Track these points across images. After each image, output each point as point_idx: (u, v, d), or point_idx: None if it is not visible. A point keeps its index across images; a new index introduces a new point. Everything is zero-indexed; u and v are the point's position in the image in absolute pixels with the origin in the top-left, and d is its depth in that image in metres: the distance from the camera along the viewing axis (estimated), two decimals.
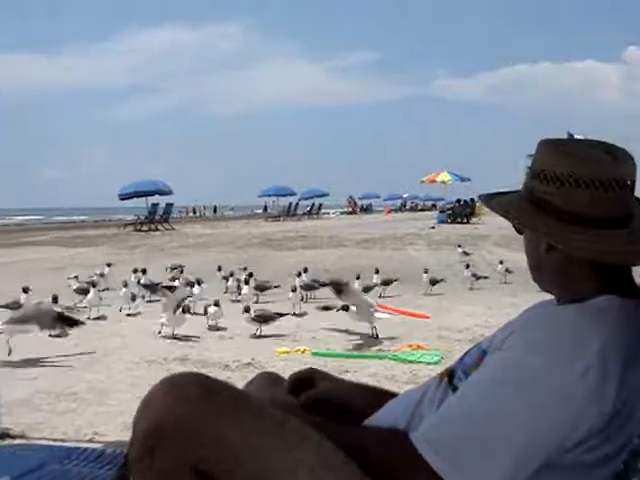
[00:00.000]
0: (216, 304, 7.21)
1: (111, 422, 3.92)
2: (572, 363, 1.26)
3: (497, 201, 1.51)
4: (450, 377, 1.49)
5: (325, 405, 1.68)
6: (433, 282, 9.93)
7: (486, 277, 10.61)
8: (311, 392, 1.72)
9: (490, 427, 1.25)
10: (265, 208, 49.50)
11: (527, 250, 1.50)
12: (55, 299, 7.25)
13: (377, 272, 9.71)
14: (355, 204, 56.42)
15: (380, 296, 9.22)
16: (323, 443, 1.33)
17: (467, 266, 10.70)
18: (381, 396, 1.69)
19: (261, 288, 9.20)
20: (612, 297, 1.37)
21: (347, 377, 4.99)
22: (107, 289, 9.64)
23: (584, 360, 1.25)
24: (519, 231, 1.52)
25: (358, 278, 9.03)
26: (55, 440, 3.59)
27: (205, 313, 7.23)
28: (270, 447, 1.30)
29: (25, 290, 7.69)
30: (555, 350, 1.29)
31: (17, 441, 3.56)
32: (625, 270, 1.43)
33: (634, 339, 1.31)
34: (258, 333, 6.82)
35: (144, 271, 9.65)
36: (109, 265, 10.69)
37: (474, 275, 10.50)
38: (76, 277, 9.14)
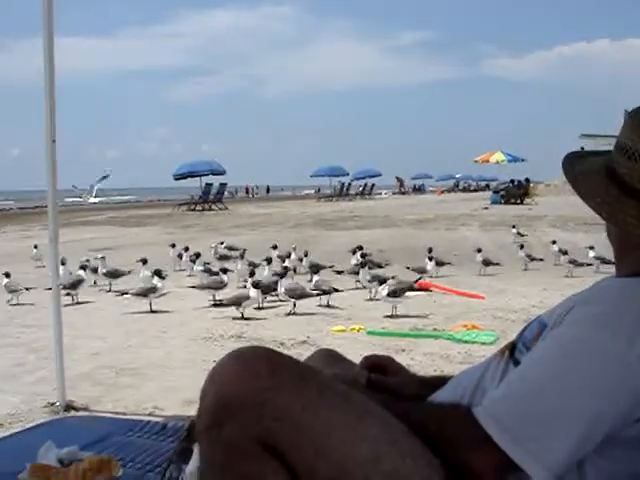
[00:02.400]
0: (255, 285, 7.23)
1: (170, 397, 4.00)
2: (635, 341, 1.25)
3: (582, 179, 1.45)
4: (512, 351, 1.49)
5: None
6: (486, 263, 9.83)
7: (541, 259, 10.45)
8: (381, 378, 1.72)
9: (555, 402, 1.26)
10: (319, 189, 49.49)
11: (608, 227, 1.48)
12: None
13: (430, 251, 9.65)
14: (402, 184, 55.85)
15: (431, 277, 9.17)
16: (386, 418, 1.35)
17: (521, 247, 10.54)
18: None
19: (315, 268, 9.21)
20: None
21: (402, 356, 5.04)
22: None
23: None
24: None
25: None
26: (117, 413, 3.69)
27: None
28: (334, 421, 1.31)
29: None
30: (619, 323, 1.28)
31: (81, 413, 3.67)
32: None
33: None
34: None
35: (198, 254, 9.70)
36: (173, 246, 10.85)
37: (528, 256, 10.36)
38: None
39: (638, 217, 1.33)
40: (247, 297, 7.13)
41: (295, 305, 7.02)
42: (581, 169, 1.48)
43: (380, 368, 1.77)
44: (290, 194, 59.84)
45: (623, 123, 1.41)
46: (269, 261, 8.34)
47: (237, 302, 6.96)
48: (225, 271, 8.06)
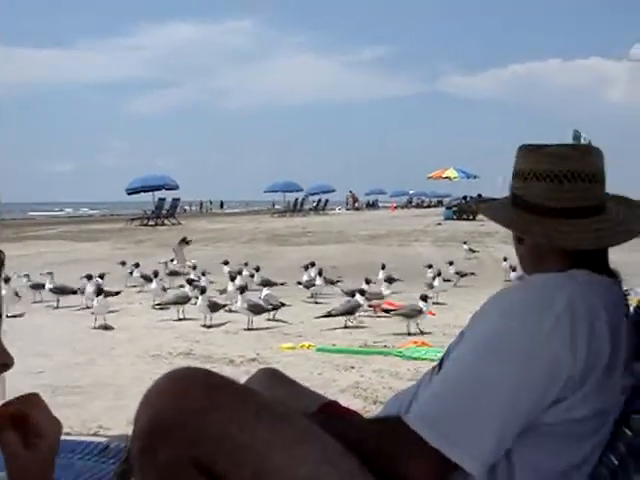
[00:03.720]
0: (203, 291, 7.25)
1: (116, 416, 3.94)
2: (542, 319, 1.30)
3: (487, 207, 1.67)
4: (441, 363, 1.52)
5: None
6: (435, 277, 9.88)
7: (472, 274, 10.55)
8: None
9: (474, 394, 1.30)
10: (273, 204, 49.43)
11: (515, 245, 1.62)
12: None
13: (383, 268, 9.68)
14: (355, 200, 56.01)
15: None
16: (325, 439, 1.35)
17: (450, 263, 10.55)
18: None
19: (266, 284, 9.20)
20: (582, 270, 1.43)
21: (352, 373, 5.06)
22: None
23: (554, 315, 1.31)
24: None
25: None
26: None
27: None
28: (273, 442, 1.30)
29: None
30: (525, 311, 1.34)
31: None
32: (598, 255, 1.50)
33: (598, 301, 1.36)
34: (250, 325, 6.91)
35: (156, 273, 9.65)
36: (123, 263, 10.70)
37: (458, 273, 10.39)
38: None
39: (540, 227, 1.47)
40: (187, 297, 7.35)
41: (252, 321, 7.01)
42: (492, 204, 1.67)
43: None
44: (244, 209, 59.66)
45: (515, 157, 1.58)
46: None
47: (178, 302, 7.25)
48: (191, 282, 8.12)
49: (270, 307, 7.29)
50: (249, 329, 6.90)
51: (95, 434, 3.62)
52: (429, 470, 1.30)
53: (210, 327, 7.11)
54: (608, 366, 1.33)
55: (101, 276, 8.81)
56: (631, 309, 1.52)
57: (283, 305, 7.47)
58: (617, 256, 1.59)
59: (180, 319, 7.52)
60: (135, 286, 9.98)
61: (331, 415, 1.55)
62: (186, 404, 1.30)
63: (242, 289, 7.40)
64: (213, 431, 1.29)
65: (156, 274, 8.99)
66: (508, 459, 1.34)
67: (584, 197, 1.49)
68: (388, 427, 1.39)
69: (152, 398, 1.34)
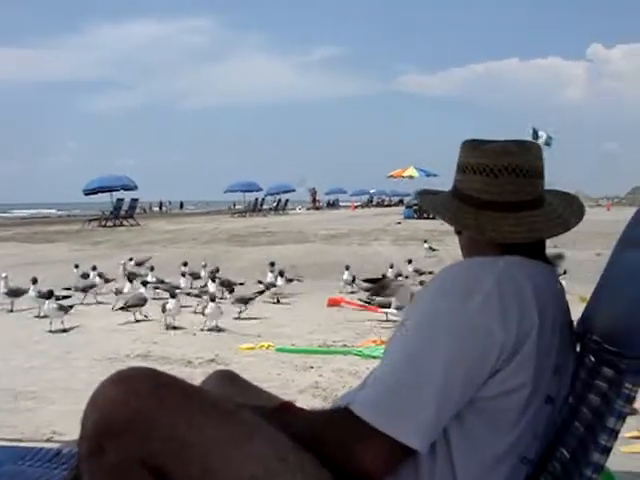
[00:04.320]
0: (173, 296, 7.13)
1: (71, 421, 3.84)
2: (470, 298, 1.34)
3: (427, 199, 1.71)
4: None
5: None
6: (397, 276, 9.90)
7: (431, 272, 10.55)
8: None
9: (410, 373, 1.33)
10: (234, 204, 49.19)
11: (460, 243, 1.65)
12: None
13: (347, 269, 9.69)
14: (315, 198, 55.90)
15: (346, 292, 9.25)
16: (275, 435, 1.35)
17: (409, 261, 10.49)
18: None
19: (226, 285, 9.13)
20: (514, 256, 1.47)
21: (310, 373, 5.04)
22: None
23: (481, 293, 1.34)
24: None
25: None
26: (12, 440, 3.53)
27: (163, 310, 7.11)
28: (221, 439, 1.30)
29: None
30: (453, 291, 1.38)
31: None
32: (533, 246, 1.53)
33: (525, 281, 1.39)
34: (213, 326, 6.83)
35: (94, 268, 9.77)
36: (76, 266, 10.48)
37: (416, 271, 10.27)
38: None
39: (474, 220, 1.52)
40: (144, 300, 7.42)
41: (217, 322, 6.98)
42: (434, 197, 1.70)
43: None
44: (204, 210, 59.31)
45: (459, 151, 1.62)
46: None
47: (137, 304, 7.30)
48: (145, 284, 8.07)
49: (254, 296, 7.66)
50: (210, 330, 6.85)
51: (48, 440, 3.55)
52: (378, 454, 1.32)
53: (170, 329, 7.02)
54: (538, 342, 1.35)
55: (34, 280, 8.44)
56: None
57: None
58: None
59: (138, 321, 7.43)
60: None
61: (282, 413, 1.54)
62: (133, 404, 1.30)
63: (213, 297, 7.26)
64: (161, 430, 1.29)
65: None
66: (446, 439, 1.36)
67: (520, 191, 1.52)
68: (335, 416, 1.41)
69: (99, 399, 1.34)
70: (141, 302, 7.59)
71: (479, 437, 1.37)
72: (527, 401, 1.37)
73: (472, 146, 1.59)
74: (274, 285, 8.87)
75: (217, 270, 9.48)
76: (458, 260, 1.55)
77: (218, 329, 6.83)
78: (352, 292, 9.23)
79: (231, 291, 7.84)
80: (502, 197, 1.52)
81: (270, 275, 9.27)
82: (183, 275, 9.25)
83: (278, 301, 8.80)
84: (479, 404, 1.36)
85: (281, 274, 9.02)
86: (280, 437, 1.35)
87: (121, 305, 7.74)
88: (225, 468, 1.29)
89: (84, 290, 8.94)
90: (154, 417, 1.29)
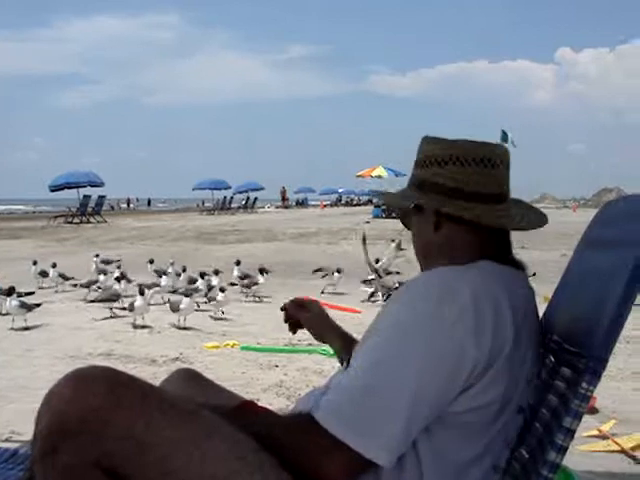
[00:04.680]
0: (141, 293, 7.03)
1: (30, 420, 3.79)
2: (444, 310, 1.31)
3: (388, 196, 1.73)
4: (349, 361, 1.51)
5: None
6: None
7: (398, 272, 10.57)
8: (293, 307, 2.10)
9: (377, 384, 1.30)
10: (203, 202, 48.91)
11: (416, 237, 1.62)
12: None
13: (238, 264, 9.71)
14: (284, 197, 55.79)
15: (322, 292, 9.23)
16: (235, 435, 1.33)
17: (376, 261, 10.26)
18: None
19: (193, 282, 9.07)
20: (487, 261, 1.45)
21: (275, 372, 5.02)
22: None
23: (456, 306, 1.31)
24: (407, 226, 1.67)
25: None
26: None
27: (130, 309, 7.04)
28: (179, 439, 1.28)
29: None
30: (427, 302, 1.34)
31: None
32: (503, 246, 1.53)
33: (501, 290, 1.37)
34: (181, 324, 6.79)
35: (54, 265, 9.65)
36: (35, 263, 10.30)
37: (383, 270, 10.23)
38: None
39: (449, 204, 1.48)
40: (117, 295, 7.45)
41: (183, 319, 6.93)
42: (394, 194, 1.73)
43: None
44: (172, 207, 58.91)
45: (421, 146, 1.60)
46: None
47: (110, 299, 7.35)
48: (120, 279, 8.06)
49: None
50: (177, 327, 6.80)
51: (7, 440, 3.48)
52: (343, 466, 1.30)
53: (136, 327, 6.92)
54: (511, 354, 1.34)
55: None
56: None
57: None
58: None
59: (105, 318, 7.35)
60: (52, 287, 9.67)
61: (243, 412, 1.53)
62: (88, 403, 1.27)
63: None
64: (116, 430, 1.27)
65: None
66: (415, 450, 1.34)
67: (488, 183, 1.50)
68: (297, 422, 1.38)
69: (53, 398, 1.31)
70: (114, 297, 7.53)
71: (448, 448, 1.36)
72: (497, 414, 1.36)
73: (437, 140, 1.56)
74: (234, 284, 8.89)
75: (184, 269, 9.37)
76: (438, 267, 1.49)
77: (184, 327, 6.77)
78: (323, 292, 9.20)
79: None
80: (469, 187, 1.49)
81: (235, 274, 9.24)
82: (164, 273, 9.04)
83: (260, 299, 8.80)
84: (449, 418, 1.34)
85: (261, 272, 8.96)
86: (239, 436, 1.33)
87: (93, 299, 7.70)
88: (184, 468, 1.27)
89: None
90: (110, 417, 1.26)
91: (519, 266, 1.54)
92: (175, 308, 6.89)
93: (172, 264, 9.85)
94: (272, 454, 1.33)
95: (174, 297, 7.56)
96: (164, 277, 8.78)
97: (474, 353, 1.30)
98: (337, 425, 1.29)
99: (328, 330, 2.03)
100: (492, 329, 1.32)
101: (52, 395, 1.32)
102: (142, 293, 6.96)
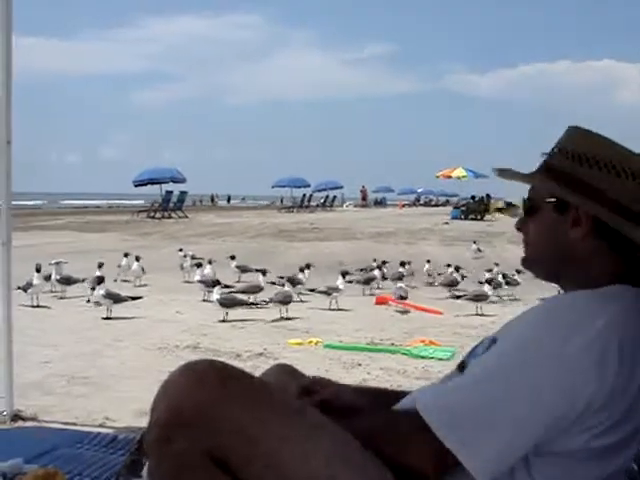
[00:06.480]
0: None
1: (122, 408, 3.91)
2: (575, 338, 1.26)
3: (512, 174, 1.51)
4: (462, 367, 1.49)
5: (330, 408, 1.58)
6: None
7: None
8: (316, 396, 1.62)
9: (491, 397, 1.28)
10: (281, 199, 49.31)
11: (544, 235, 1.47)
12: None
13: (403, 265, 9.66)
14: (364, 196, 55.71)
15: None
16: (339, 433, 1.35)
17: (457, 269, 10.05)
18: (383, 395, 1.70)
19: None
20: (626, 286, 1.37)
21: (358, 370, 5.02)
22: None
23: (588, 335, 1.26)
24: (520, 227, 1.53)
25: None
26: (67, 424, 3.59)
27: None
28: (286, 436, 1.30)
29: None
30: (560, 326, 1.30)
31: (29, 423, 3.56)
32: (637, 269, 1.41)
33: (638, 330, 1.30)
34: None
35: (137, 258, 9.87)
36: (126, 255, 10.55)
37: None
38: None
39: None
40: (290, 296, 7.49)
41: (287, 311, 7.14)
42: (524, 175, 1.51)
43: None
44: (251, 204, 59.66)
45: (568, 136, 1.48)
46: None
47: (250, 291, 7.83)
48: (264, 273, 8.26)
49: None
50: (273, 321, 6.88)
51: (101, 425, 3.59)
52: (430, 456, 1.29)
53: (222, 322, 7.05)
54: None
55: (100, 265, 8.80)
56: None
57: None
58: None
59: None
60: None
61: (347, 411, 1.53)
62: (203, 396, 1.31)
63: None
64: (228, 423, 1.30)
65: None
66: (528, 473, 1.31)
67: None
68: (400, 417, 1.39)
69: (169, 389, 1.35)
70: (255, 290, 7.98)
71: (565, 477, 1.32)
72: (622, 449, 1.32)
73: (610, 143, 1.43)
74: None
75: (264, 273, 9.26)
76: (578, 291, 1.39)
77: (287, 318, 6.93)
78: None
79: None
80: (634, 206, 1.37)
81: (301, 276, 8.78)
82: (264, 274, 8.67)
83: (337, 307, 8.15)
84: (572, 453, 1.30)
85: (343, 275, 8.33)
86: (345, 436, 1.34)
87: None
88: (287, 464, 1.29)
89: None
90: (221, 410, 1.30)
91: None
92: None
93: (232, 258, 10.01)
94: (374, 453, 1.33)
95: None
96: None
97: (593, 388, 1.25)
98: (437, 418, 1.28)
99: (355, 393, 1.72)
100: (618, 367, 1.26)
101: (168, 385, 1.36)
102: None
